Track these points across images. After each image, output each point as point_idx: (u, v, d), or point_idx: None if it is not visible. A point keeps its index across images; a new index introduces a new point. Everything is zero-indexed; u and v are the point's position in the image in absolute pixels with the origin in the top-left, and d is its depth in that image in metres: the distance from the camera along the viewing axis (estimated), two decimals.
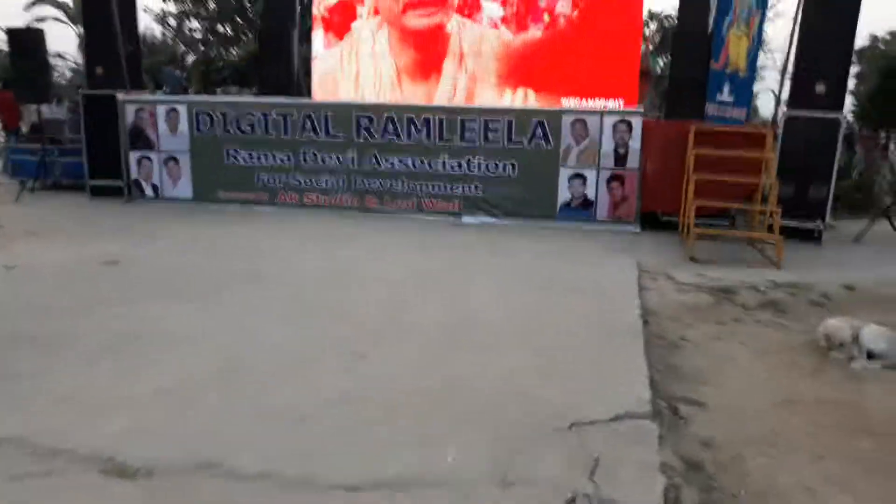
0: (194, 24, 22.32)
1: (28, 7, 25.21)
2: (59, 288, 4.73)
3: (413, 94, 10.19)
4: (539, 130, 7.58)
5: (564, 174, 7.64)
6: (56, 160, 9.32)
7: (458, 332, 4.01)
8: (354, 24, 10.53)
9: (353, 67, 10.55)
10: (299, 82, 9.82)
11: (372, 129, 7.90)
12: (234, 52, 20.29)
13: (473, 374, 3.37)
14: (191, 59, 21.46)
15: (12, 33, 9.24)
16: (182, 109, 8.22)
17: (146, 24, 22.75)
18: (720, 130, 7.28)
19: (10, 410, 2.90)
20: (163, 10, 21.65)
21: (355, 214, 8.00)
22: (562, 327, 4.21)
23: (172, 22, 22.17)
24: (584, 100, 10.21)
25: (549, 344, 3.89)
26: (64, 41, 32.82)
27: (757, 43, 11.10)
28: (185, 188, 8.39)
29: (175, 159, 8.34)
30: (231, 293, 4.69)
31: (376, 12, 10.38)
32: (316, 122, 7.98)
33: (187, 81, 17.02)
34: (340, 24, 10.64)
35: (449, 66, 10.27)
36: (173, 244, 6.30)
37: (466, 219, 7.83)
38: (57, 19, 25.74)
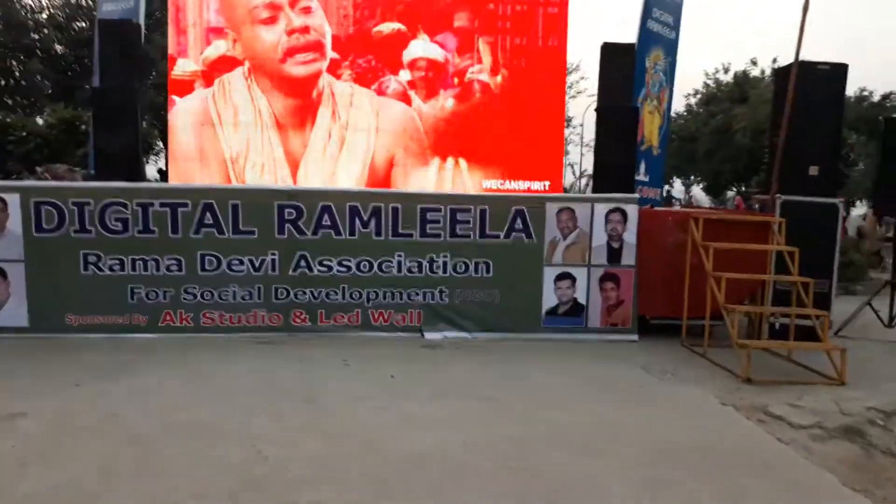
0: None
1: None
2: None
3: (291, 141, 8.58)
4: (519, 221, 6.11)
5: (550, 274, 6.20)
6: None
7: None
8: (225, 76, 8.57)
9: (227, 112, 8.51)
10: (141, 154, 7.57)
11: (301, 223, 5.91)
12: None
13: None
14: None
15: None
16: (12, 200, 5.56)
17: None
18: (722, 219, 6.33)
19: None
20: None
21: (276, 337, 5.88)
22: None
23: None
24: (506, 181, 9.06)
25: None
26: None
27: (667, 119, 10.72)
28: (15, 313, 5.61)
29: (0, 272, 5.63)
30: None
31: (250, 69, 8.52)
32: (220, 215, 5.81)
33: None
34: (209, 75, 8.58)
35: (324, 113, 8.75)
36: (47, 438, 3.77)
37: (430, 335, 6.05)
38: None
